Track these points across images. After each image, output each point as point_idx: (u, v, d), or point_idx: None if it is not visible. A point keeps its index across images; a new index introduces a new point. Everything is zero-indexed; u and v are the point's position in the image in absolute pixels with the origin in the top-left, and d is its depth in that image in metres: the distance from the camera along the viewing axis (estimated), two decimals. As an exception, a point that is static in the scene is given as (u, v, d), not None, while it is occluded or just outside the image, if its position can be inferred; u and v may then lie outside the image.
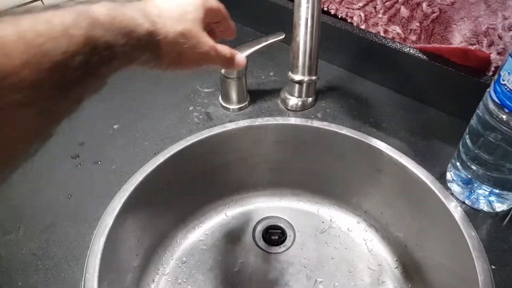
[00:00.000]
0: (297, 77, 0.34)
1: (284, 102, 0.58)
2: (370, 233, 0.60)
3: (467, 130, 0.45)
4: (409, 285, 0.54)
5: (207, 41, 0.32)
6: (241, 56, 0.37)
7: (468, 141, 0.44)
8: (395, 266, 0.56)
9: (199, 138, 0.53)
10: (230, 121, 0.55)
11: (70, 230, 0.44)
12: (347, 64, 0.63)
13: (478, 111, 0.42)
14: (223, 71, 0.53)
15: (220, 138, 0.54)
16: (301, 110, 0.58)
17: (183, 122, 0.56)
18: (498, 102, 0.38)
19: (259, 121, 0.55)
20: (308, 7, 0.32)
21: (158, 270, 0.55)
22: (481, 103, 0.42)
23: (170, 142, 0.53)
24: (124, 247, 0.48)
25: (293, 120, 0.56)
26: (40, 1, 0.67)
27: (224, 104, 0.57)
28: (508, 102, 0.37)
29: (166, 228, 0.57)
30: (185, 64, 0.31)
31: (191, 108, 0.58)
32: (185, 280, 0.55)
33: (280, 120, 0.56)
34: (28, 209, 0.46)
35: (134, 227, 0.49)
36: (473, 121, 0.43)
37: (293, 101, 0.58)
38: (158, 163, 0.50)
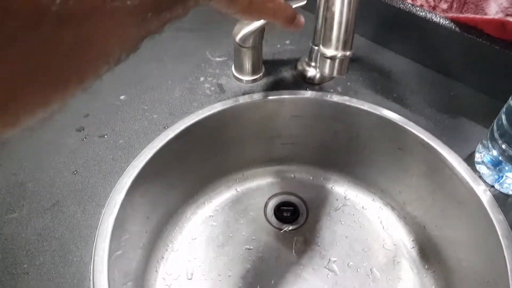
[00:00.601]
0: (330, 51, 0.30)
1: (302, 74, 0.54)
2: (386, 212, 0.58)
3: (503, 110, 0.41)
4: (426, 266, 0.53)
5: None
6: (301, 17, 0.37)
7: (504, 121, 0.41)
8: (411, 247, 0.55)
9: (211, 112, 0.49)
10: (243, 94, 0.52)
11: (77, 209, 0.42)
12: (370, 33, 0.59)
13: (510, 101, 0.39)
14: (237, 38, 0.49)
15: (233, 112, 0.51)
16: (320, 83, 0.54)
17: (193, 94, 0.52)
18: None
19: (274, 95, 0.52)
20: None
21: (168, 246, 0.54)
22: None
23: (180, 116, 0.49)
24: (134, 225, 0.46)
25: (310, 94, 0.53)
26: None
27: (237, 75, 0.53)
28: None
29: (176, 204, 0.55)
30: (253, 13, 0.32)
31: (202, 78, 0.54)
32: (195, 258, 0.53)
33: (297, 94, 0.52)
34: (32, 186, 0.43)
35: (143, 204, 0.47)
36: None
37: (312, 72, 0.54)
38: (168, 138, 0.47)
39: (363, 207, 0.59)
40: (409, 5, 0.54)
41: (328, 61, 0.31)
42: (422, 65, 0.56)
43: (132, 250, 0.46)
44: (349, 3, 0.29)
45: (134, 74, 0.55)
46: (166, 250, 0.53)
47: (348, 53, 0.30)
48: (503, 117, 0.41)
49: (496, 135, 0.42)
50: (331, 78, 0.54)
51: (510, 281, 0.37)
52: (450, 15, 0.52)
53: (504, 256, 0.38)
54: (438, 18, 0.52)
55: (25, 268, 0.37)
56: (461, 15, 0.51)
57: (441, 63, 0.54)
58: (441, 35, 0.52)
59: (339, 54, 0.30)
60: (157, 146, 0.46)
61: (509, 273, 0.37)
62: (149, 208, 0.49)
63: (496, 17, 0.48)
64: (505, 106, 0.41)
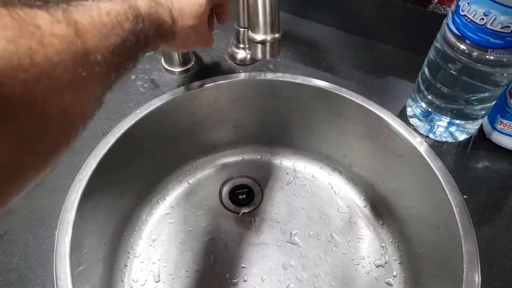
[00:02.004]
0: (259, 36, 0.30)
1: (232, 56, 0.54)
2: (334, 177, 0.61)
3: (425, 63, 0.45)
4: (380, 222, 0.56)
5: (207, 32, 0.41)
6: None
7: (427, 74, 0.44)
8: (363, 206, 0.58)
9: (149, 110, 0.48)
10: (178, 86, 0.51)
11: (28, 235, 0.39)
12: (290, 7, 0.60)
13: (437, 44, 0.42)
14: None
15: (171, 105, 0.50)
16: (251, 64, 0.55)
17: (127, 94, 0.50)
18: (459, 33, 0.38)
19: (209, 82, 0.51)
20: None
21: (129, 253, 0.52)
22: (438, 35, 0.42)
23: (118, 119, 0.47)
24: (90, 240, 0.44)
25: (244, 76, 0.53)
26: None
27: (168, 68, 0.52)
28: (469, 33, 0.37)
29: (129, 209, 0.53)
30: (187, 47, 0.41)
31: (133, 77, 0.52)
32: (159, 259, 0.52)
33: (231, 78, 0.52)
34: (-32, 222, 0.40)
35: (96, 217, 0.45)
36: (432, 54, 0.43)
37: (241, 54, 0.54)
38: (110, 144, 0.45)
39: (313, 176, 0.61)
40: (324, -25, 0.56)
41: (259, 45, 0.31)
42: (344, 31, 0.58)
43: (94, 265, 0.44)
44: (270, -14, 0.29)
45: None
46: (128, 257, 0.52)
47: (277, 35, 0.31)
48: (426, 70, 0.44)
49: (422, 87, 0.45)
50: (263, 57, 0.55)
51: (458, 223, 0.40)
52: (363, -20, 0.54)
53: (449, 200, 0.42)
54: (353, -15, 0.54)
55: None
56: (373, -20, 0.53)
57: (361, 27, 0.57)
58: (356, 0, 0.55)
59: (269, 37, 0.31)
60: (99, 155, 0.44)
61: (456, 216, 0.41)
62: (103, 219, 0.47)
63: (404, -23, 0.52)
64: (426, 60, 0.45)
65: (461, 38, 0.38)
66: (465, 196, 0.42)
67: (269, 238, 0.55)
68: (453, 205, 0.41)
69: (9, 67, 0.16)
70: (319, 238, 0.55)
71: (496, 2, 0.34)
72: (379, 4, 0.53)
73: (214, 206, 0.58)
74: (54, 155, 0.21)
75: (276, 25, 0.31)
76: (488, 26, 0.35)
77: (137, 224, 0.54)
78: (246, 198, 0.59)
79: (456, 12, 0.38)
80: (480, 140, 0.47)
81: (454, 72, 0.40)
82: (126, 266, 0.51)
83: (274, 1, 0.30)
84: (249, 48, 0.53)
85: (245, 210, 0.58)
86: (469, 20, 0.36)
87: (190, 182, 0.60)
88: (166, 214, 0.57)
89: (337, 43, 0.57)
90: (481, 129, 0.47)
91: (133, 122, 0.47)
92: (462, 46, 0.38)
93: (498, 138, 0.46)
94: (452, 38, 0.39)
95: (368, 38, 0.57)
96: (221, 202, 0.59)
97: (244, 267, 0.52)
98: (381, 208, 0.56)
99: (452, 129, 0.46)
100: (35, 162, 0.20)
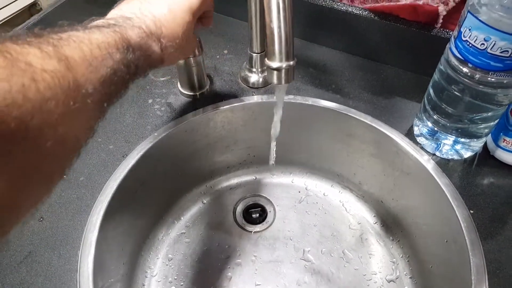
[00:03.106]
0: (275, 64, 0.32)
1: (245, 80, 0.57)
2: (345, 195, 0.62)
3: (430, 84, 0.46)
4: (391, 238, 0.57)
5: (193, 43, 0.43)
6: None
7: (432, 95, 0.46)
8: (374, 222, 0.59)
9: (166, 133, 0.50)
10: (194, 109, 0.53)
11: (52, 255, 0.41)
12: (300, 32, 0.62)
13: (441, 67, 0.44)
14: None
15: (188, 128, 0.52)
16: (264, 87, 0.57)
17: (145, 118, 0.53)
18: (461, 57, 0.40)
19: (224, 105, 0.54)
20: (278, -12, 0.31)
21: (146, 272, 0.54)
22: (442, 58, 0.44)
23: (136, 141, 0.50)
24: (111, 260, 0.46)
25: (257, 98, 0.55)
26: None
27: (184, 92, 0.55)
28: (471, 57, 0.39)
29: (147, 229, 0.55)
30: (174, 63, 0.41)
31: (150, 101, 0.55)
32: (175, 278, 0.54)
33: (245, 100, 0.55)
34: None
35: (116, 237, 0.47)
36: (436, 76, 0.45)
37: (254, 78, 0.57)
38: (129, 166, 0.47)
39: (324, 194, 0.63)
40: (330, 1, 0.58)
41: (275, 72, 0.33)
42: (352, 54, 0.61)
43: (114, 284, 0.46)
44: (285, 17, 0.31)
45: (80, 109, 0.54)
46: (146, 276, 0.53)
47: (291, 62, 0.33)
48: (431, 91, 0.46)
49: (428, 107, 0.47)
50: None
51: (466, 238, 0.42)
52: (368, 5, 0.56)
53: (457, 215, 0.43)
54: (357, 10, 0.57)
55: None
56: (377, 5, 0.56)
57: (368, 50, 0.59)
58: (363, 25, 0.57)
59: (284, 65, 0.33)
60: (119, 177, 0.46)
61: (464, 230, 0.42)
62: (123, 239, 0.49)
63: (408, 2, 0.54)
64: (431, 81, 0.46)
65: (464, 61, 0.40)
66: (471, 211, 0.43)
67: (282, 256, 0.56)
68: (460, 220, 0.42)
69: (3, 105, 0.17)
70: (332, 254, 0.56)
71: (495, 28, 0.36)
72: (386, 28, 0.55)
73: (229, 225, 0.60)
74: (49, 185, 0.22)
75: (291, 54, 0.33)
76: (489, 50, 0.37)
77: (154, 243, 0.56)
78: (260, 216, 0.60)
79: (458, 37, 0.40)
80: (485, 157, 0.48)
81: (457, 93, 0.42)
82: (144, 285, 0.53)
83: (289, 31, 0.33)
84: (261, 72, 0.55)
85: (259, 228, 0.59)
86: (470, 45, 0.38)
87: (205, 201, 0.62)
88: (182, 233, 0.58)
89: (345, 66, 0.59)
90: (485, 146, 0.49)
91: (151, 144, 0.49)
92: (465, 69, 0.40)
93: (502, 155, 0.47)
94: (455, 62, 0.41)
95: (376, 61, 0.59)
96: (235, 220, 0.60)
97: (259, 285, 0.53)
98: (391, 225, 0.58)
99: (458, 147, 0.48)
100: (31, 193, 0.21)
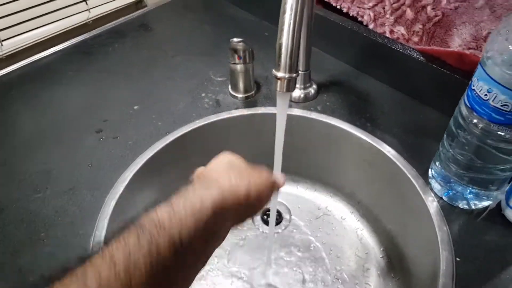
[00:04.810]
0: (279, 74, 0.39)
1: (288, 94, 0.63)
2: (362, 223, 0.64)
3: (446, 130, 0.47)
4: (392, 274, 0.57)
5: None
6: (280, 179, 0.45)
7: (445, 141, 0.47)
8: (381, 256, 0.60)
9: (206, 122, 0.59)
10: (236, 108, 0.61)
11: (87, 193, 0.51)
12: (353, 61, 0.66)
13: (455, 113, 0.45)
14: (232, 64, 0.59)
15: (225, 123, 0.60)
16: (303, 102, 0.62)
17: (194, 107, 0.62)
18: (469, 105, 0.41)
19: (262, 110, 0.60)
20: (291, 14, 0.37)
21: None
22: (457, 106, 0.45)
23: (181, 124, 0.59)
24: (130, 211, 0.55)
25: (293, 111, 0.61)
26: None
27: (232, 93, 0.63)
28: (476, 106, 0.40)
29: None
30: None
31: (203, 94, 0.64)
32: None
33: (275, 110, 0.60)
34: (56, 173, 0.54)
35: (142, 197, 0.56)
36: (451, 122, 0.46)
37: (296, 93, 0.62)
38: (167, 142, 0.56)
39: (341, 217, 0.65)
40: (385, 38, 0.61)
41: (279, 81, 0.39)
42: (396, 89, 0.63)
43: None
44: (293, 38, 0.37)
45: (148, 89, 0.65)
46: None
47: (294, 75, 0.38)
48: (445, 137, 0.47)
49: (441, 153, 0.48)
50: (314, 98, 0.62)
51: (440, 280, 0.42)
52: (419, 47, 0.58)
53: (439, 258, 0.44)
54: (409, 50, 0.59)
55: (42, 236, 0.47)
56: (427, 47, 0.57)
57: (412, 89, 0.61)
58: (412, 64, 0.59)
59: (286, 76, 0.38)
60: (157, 148, 0.56)
61: (440, 273, 0.42)
62: (148, 202, 0.58)
63: (456, 49, 0.55)
64: (447, 127, 0.47)
65: (470, 110, 0.41)
66: (458, 259, 0.43)
67: (284, 260, 0.60)
68: (441, 263, 0.43)
69: None
70: (329, 273, 0.58)
71: (497, 82, 0.37)
72: (431, 71, 0.57)
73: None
74: (197, 272, 0.31)
75: (294, 67, 0.39)
76: (491, 102, 0.38)
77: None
78: (275, 221, 0.65)
79: (470, 86, 0.41)
80: (495, 213, 0.47)
81: (464, 141, 0.43)
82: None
83: (295, 49, 0.38)
84: (303, 88, 0.61)
85: (271, 230, 0.64)
86: (476, 94, 0.39)
87: (233, 194, 0.68)
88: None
89: (386, 99, 0.62)
90: (499, 203, 0.48)
91: (190, 129, 0.58)
92: (470, 118, 0.41)
93: (510, 215, 0.45)
94: (464, 109, 0.42)
95: (417, 100, 0.61)
96: (252, 219, 0.66)
97: (242, 278, 0.58)
98: (396, 262, 0.58)
99: (470, 196, 0.47)
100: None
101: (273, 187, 0.41)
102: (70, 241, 0.47)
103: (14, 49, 0.74)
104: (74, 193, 0.52)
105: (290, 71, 0.39)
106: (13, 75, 0.70)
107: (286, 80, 0.39)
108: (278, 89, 0.40)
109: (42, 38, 0.76)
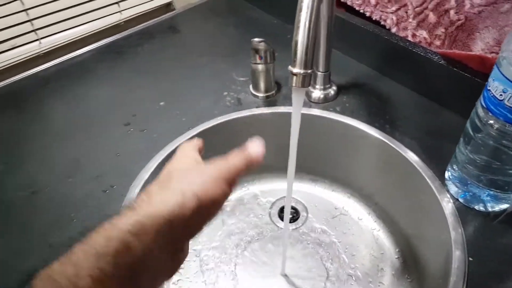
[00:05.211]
0: (295, 69, 0.40)
1: (308, 94, 0.64)
2: (378, 224, 0.64)
3: (463, 132, 0.48)
4: (406, 275, 0.58)
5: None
6: (254, 151, 0.38)
7: (462, 142, 0.47)
8: (396, 257, 0.60)
9: (226, 119, 0.61)
10: (256, 107, 0.63)
11: (114, 180, 0.54)
12: (374, 63, 0.67)
13: (472, 115, 0.45)
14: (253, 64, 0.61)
15: (246, 120, 0.62)
16: (323, 103, 0.64)
17: (216, 105, 0.64)
18: (485, 106, 0.41)
19: (282, 109, 0.62)
20: (307, 12, 0.39)
21: (184, 228, 0.64)
22: (474, 108, 0.45)
23: (203, 120, 0.61)
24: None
25: (312, 111, 0.62)
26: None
27: (253, 92, 0.65)
28: (491, 107, 0.40)
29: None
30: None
31: (225, 93, 0.66)
32: (206, 240, 0.64)
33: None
34: (86, 161, 0.57)
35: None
36: (467, 124, 0.46)
37: (316, 94, 0.64)
38: (189, 136, 0.59)
39: (358, 218, 0.66)
40: (406, 41, 0.62)
41: (294, 76, 0.41)
42: (417, 93, 0.63)
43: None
44: (308, 35, 0.39)
45: (174, 87, 0.68)
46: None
47: (309, 71, 0.40)
48: (461, 139, 0.47)
49: (458, 155, 0.48)
50: (333, 99, 0.64)
51: (451, 279, 0.42)
52: (441, 50, 0.59)
53: (451, 256, 0.44)
54: (430, 53, 0.60)
55: (72, 217, 0.51)
56: (448, 51, 0.58)
57: (433, 92, 0.61)
58: (433, 68, 0.60)
59: (301, 71, 0.40)
60: (179, 141, 0.58)
61: (452, 271, 0.43)
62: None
63: (478, 53, 0.55)
64: (464, 129, 0.48)
65: (486, 110, 0.41)
66: (470, 259, 0.43)
67: (299, 256, 0.61)
68: (453, 261, 0.43)
69: None
70: (342, 269, 0.59)
71: (511, 81, 0.37)
72: (453, 74, 0.57)
73: (263, 216, 0.67)
74: None
75: (309, 64, 0.40)
76: (506, 102, 0.38)
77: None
78: (292, 217, 0.66)
79: (486, 87, 0.41)
80: (512, 217, 0.47)
81: (480, 142, 0.43)
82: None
83: (310, 46, 0.40)
84: (323, 89, 0.63)
85: (287, 227, 0.65)
86: (492, 95, 0.40)
87: (250, 191, 0.70)
88: (222, 209, 0.68)
89: (407, 102, 0.62)
90: (519, 207, 0.47)
91: (211, 125, 0.60)
92: (487, 119, 0.41)
93: (526, 218, 0.45)
94: (481, 110, 0.42)
95: (438, 103, 0.61)
96: (269, 214, 0.67)
97: (259, 271, 0.60)
98: (410, 263, 0.58)
99: (487, 198, 0.47)
100: None
101: (234, 175, 0.34)
102: (97, 222, 0.50)
103: (51, 47, 0.79)
104: (102, 179, 0.55)
105: (306, 67, 0.40)
106: (50, 71, 0.74)
107: (301, 76, 0.41)
108: (293, 84, 0.42)
109: (77, 37, 0.81)
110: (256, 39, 0.58)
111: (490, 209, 0.48)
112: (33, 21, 0.74)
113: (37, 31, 0.76)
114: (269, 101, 0.64)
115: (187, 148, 0.39)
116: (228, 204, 0.68)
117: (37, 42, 0.77)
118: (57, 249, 0.47)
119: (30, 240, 0.48)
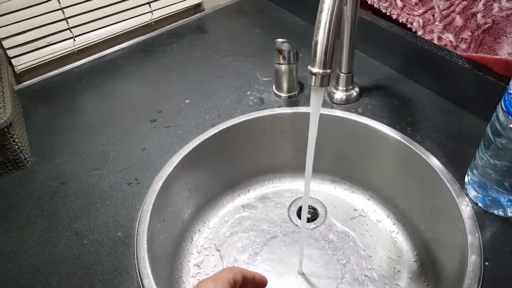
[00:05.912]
0: (314, 69, 0.41)
1: (330, 95, 0.65)
2: (397, 227, 0.64)
3: (483, 136, 0.47)
4: (423, 279, 0.57)
5: None
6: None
7: (482, 146, 0.47)
8: (414, 260, 0.60)
9: (248, 118, 0.62)
10: (278, 107, 0.64)
11: (139, 173, 0.57)
12: (398, 66, 0.67)
13: (492, 119, 0.45)
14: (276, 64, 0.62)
15: (267, 119, 0.63)
16: (345, 104, 0.64)
17: (239, 104, 0.66)
18: (505, 109, 0.41)
19: (303, 109, 0.63)
20: (327, 13, 0.40)
21: (204, 223, 0.66)
22: (495, 111, 0.45)
23: (226, 118, 0.63)
24: (177, 196, 0.60)
25: (334, 112, 0.63)
26: None
27: (276, 92, 0.66)
28: (511, 109, 0.40)
29: (215, 191, 0.68)
30: None
31: (248, 92, 0.68)
32: (226, 235, 0.65)
33: (322, 110, 0.63)
34: (113, 154, 0.60)
35: (187, 181, 0.61)
36: (488, 127, 0.46)
37: (338, 95, 0.64)
38: (212, 133, 0.61)
39: (377, 220, 0.66)
40: (431, 44, 0.62)
41: (313, 76, 0.42)
42: (440, 96, 0.63)
43: (175, 218, 0.60)
44: (328, 36, 0.40)
45: (199, 86, 0.71)
46: (203, 225, 0.66)
47: (328, 71, 0.41)
48: (482, 143, 0.47)
49: (478, 159, 0.48)
50: (355, 100, 0.64)
51: (465, 281, 0.42)
52: (466, 54, 0.58)
53: (467, 260, 0.44)
54: (455, 56, 0.59)
55: (98, 207, 0.53)
56: (474, 54, 0.57)
57: (456, 96, 0.61)
58: (457, 71, 0.59)
59: (321, 71, 0.41)
60: (203, 138, 0.60)
61: (466, 274, 0.43)
62: (192, 187, 0.62)
63: (504, 57, 0.54)
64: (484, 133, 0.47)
65: (507, 114, 0.41)
66: (487, 263, 0.43)
67: (315, 256, 0.62)
68: (468, 264, 0.43)
69: None
70: (358, 270, 0.59)
71: (533, 85, 0.37)
72: (477, 78, 0.56)
73: (282, 214, 0.68)
74: None
75: (329, 64, 0.41)
76: (526, 106, 0.38)
77: (217, 204, 0.68)
78: (311, 217, 0.67)
79: (507, 90, 0.41)
80: (533, 224, 0.46)
81: (500, 146, 0.43)
82: (199, 231, 0.65)
83: (330, 46, 0.41)
84: (346, 91, 0.63)
85: (306, 226, 0.66)
86: (513, 98, 0.40)
87: (270, 189, 0.71)
88: (242, 206, 0.69)
89: (429, 104, 0.62)
90: (540, 215, 0.47)
91: (234, 123, 0.62)
92: (506, 122, 0.41)
93: (546, 225, 0.44)
94: (501, 114, 0.42)
95: (461, 107, 0.60)
96: (288, 213, 0.68)
97: (278, 267, 0.61)
98: (428, 266, 0.58)
99: (504, 203, 0.47)
100: None
101: None
102: (121, 212, 0.52)
103: (85, 45, 0.82)
104: (127, 172, 0.57)
105: (325, 67, 0.41)
106: (83, 68, 0.78)
107: (320, 76, 0.42)
108: (312, 84, 0.43)
109: (110, 35, 0.84)
110: (280, 40, 0.59)
111: (509, 214, 0.47)
112: (68, 20, 0.78)
113: (72, 29, 0.79)
114: (291, 101, 0.65)
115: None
116: (248, 201, 0.70)
117: (72, 40, 0.81)
118: (82, 237, 0.50)
119: (58, 228, 0.51)
